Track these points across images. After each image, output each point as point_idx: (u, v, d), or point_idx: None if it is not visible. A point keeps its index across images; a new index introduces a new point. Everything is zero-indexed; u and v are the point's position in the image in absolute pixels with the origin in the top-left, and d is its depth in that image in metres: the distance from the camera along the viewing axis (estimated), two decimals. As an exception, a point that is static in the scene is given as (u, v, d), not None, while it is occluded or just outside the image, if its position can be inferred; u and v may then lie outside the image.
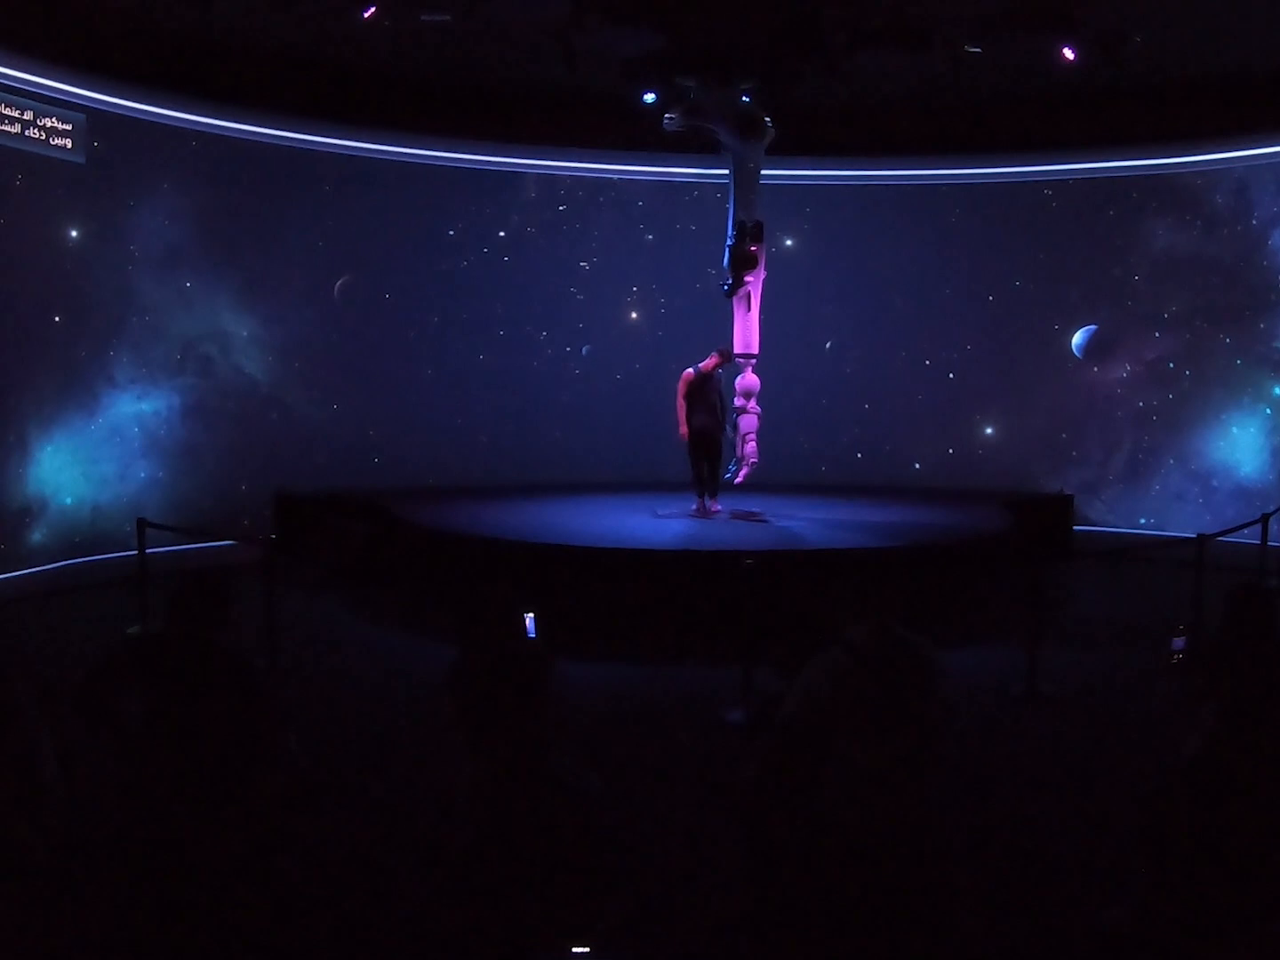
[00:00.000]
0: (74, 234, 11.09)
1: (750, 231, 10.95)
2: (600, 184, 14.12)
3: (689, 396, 10.95)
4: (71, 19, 10.57)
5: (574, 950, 3.70)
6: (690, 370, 11.00)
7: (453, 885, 4.25)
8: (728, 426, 11.18)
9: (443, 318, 13.61)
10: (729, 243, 11.12)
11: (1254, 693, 4.06)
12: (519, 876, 4.12)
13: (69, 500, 11.14)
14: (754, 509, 11.35)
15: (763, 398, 11.33)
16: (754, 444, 11.12)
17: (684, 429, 10.99)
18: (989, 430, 14.18)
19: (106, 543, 11.28)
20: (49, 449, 10.93)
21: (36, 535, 10.84)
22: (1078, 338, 13.62)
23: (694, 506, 11.25)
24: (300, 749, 4.30)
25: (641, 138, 12.18)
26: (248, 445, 12.39)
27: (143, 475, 11.75)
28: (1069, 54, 10.51)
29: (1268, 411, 12.63)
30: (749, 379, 11.21)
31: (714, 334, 11.52)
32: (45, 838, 3.85)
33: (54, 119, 10.69)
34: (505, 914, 4.08)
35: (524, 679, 4.34)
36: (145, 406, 11.78)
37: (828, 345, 14.28)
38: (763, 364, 11.42)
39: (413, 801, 5.44)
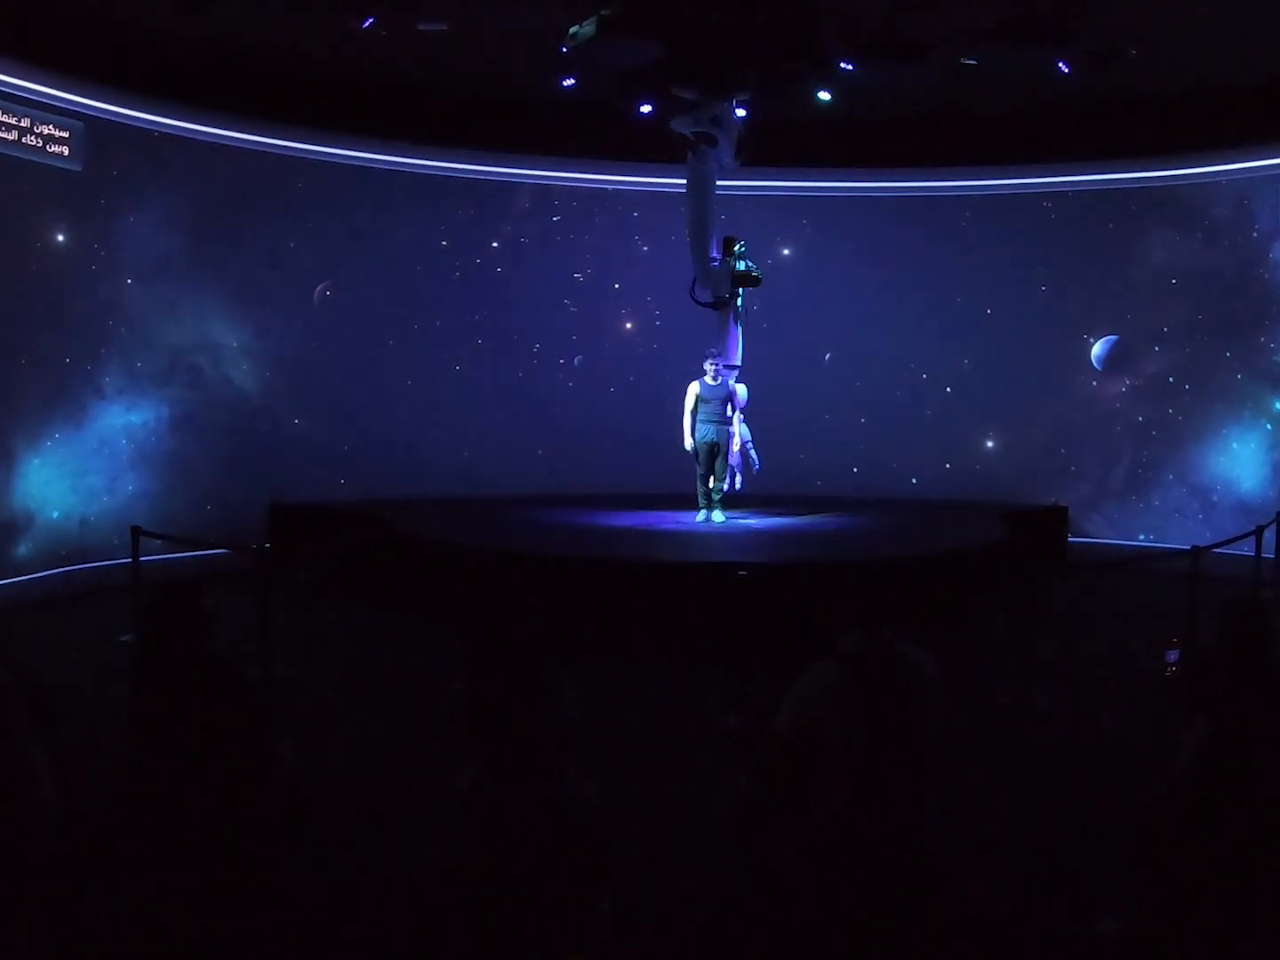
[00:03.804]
0: (70, 242, 11.00)
1: (738, 251, 11.19)
2: (595, 194, 14.08)
3: (695, 409, 10.95)
4: (69, 26, 10.52)
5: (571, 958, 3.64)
6: (695, 382, 11.01)
7: (450, 893, 4.21)
8: (730, 436, 11.14)
9: (435, 328, 13.54)
10: (716, 257, 11.18)
11: (1248, 703, 4.02)
12: (516, 884, 4.07)
13: (56, 513, 11.02)
14: (751, 520, 11.29)
15: (761, 412, 11.35)
16: (753, 453, 11.12)
17: (688, 440, 10.95)
18: (988, 444, 14.11)
19: (95, 555, 11.19)
20: (36, 462, 10.82)
21: (23, 549, 10.72)
22: (1098, 349, 13.52)
23: (699, 517, 11.17)
24: (295, 758, 4.25)
25: (636, 148, 12.14)
26: (238, 456, 12.29)
27: (131, 487, 11.64)
28: (1064, 67, 10.48)
29: (1268, 426, 12.55)
30: (734, 389, 11.20)
31: (709, 345, 11.45)
32: (40, 849, 3.77)
33: (51, 126, 10.62)
34: (503, 923, 4.03)
35: (525, 687, 4.30)
36: (134, 418, 11.69)
37: (826, 358, 14.22)
38: (761, 377, 11.39)
39: (409, 810, 5.40)
